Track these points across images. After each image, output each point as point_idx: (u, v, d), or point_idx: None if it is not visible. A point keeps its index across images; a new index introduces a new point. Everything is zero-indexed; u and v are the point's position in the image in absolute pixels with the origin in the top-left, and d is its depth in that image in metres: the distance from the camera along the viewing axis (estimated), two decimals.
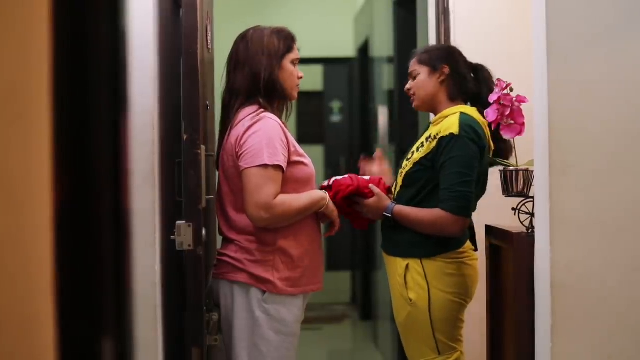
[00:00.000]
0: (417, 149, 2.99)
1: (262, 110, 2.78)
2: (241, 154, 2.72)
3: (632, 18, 2.43)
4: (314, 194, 2.84)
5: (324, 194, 2.88)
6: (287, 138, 2.78)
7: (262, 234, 2.77)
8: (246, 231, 2.78)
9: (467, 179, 2.85)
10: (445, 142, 2.87)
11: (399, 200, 3.00)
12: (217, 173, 2.93)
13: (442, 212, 2.87)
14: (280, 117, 2.85)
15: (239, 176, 2.75)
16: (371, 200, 3.01)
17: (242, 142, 2.73)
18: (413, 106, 3.11)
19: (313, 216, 2.87)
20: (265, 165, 2.69)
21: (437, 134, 2.91)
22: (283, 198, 2.72)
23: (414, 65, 3.07)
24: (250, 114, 2.77)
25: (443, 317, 2.93)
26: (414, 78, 3.06)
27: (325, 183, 3.07)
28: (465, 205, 2.86)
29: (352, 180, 3.04)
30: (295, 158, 2.79)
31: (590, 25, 2.43)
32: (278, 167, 2.71)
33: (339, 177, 3.08)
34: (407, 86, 3.09)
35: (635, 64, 2.42)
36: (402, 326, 3.01)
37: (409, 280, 2.94)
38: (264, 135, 2.71)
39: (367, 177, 3.11)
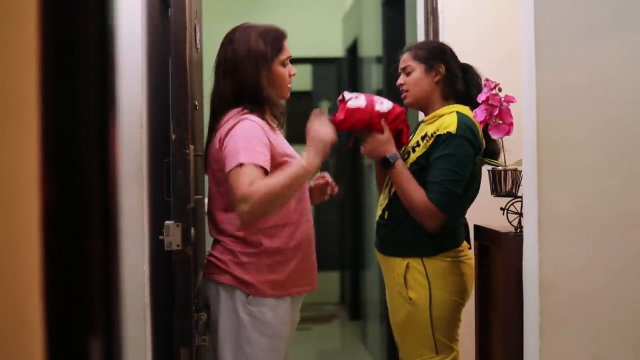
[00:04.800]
0: (413, 149, 2.97)
1: (246, 111, 2.76)
2: (224, 158, 2.70)
3: (619, 18, 2.44)
4: (292, 167, 2.67)
5: (305, 165, 2.67)
6: (268, 138, 2.74)
7: (247, 235, 2.74)
8: (231, 232, 2.76)
9: (459, 177, 2.85)
10: (441, 140, 2.87)
11: (399, 200, 2.98)
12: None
13: (427, 199, 2.86)
14: (269, 119, 2.80)
15: (224, 178, 2.74)
16: (380, 137, 2.94)
17: (223, 145, 2.70)
18: (405, 102, 3.07)
19: (305, 216, 2.84)
20: (240, 165, 2.62)
21: (434, 132, 2.90)
22: (258, 183, 2.58)
23: (408, 61, 3.03)
24: (233, 116, 2.75)
25: (443, 316, 2.93)
26: (408, 74, 3.03)
27: (340, 97, 2.98)
28: (450, 202, 2.86)
29: (367, 111, 2.92)
30: (281, 159, 2.75)
31: (577, 25, 2.44)
32: (255, 166, 2.63)
33: (353, 98, 2.93)
34: (400, 81, 3.04)
35: (622, 63, 2.43)
36: (400, 326, 2.99)
37: (409, 280, 2.93)
38: (240, 136, 2.66)
39: (385, 107, 2.97)
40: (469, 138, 2.86)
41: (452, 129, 2.86)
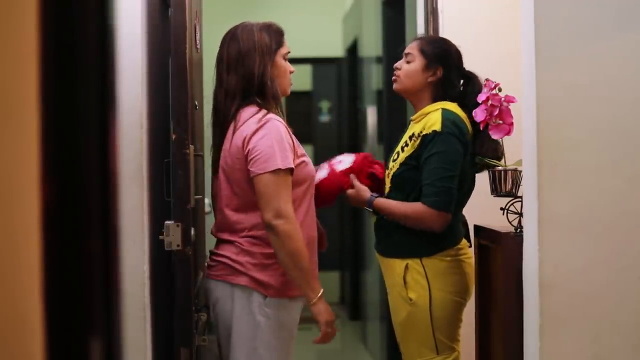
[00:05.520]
0: (402, 149, 2.98)
1: (265, 111, 2.75)
2: (252, 159, 2.67)
3: (619, 19, 2.44)
4: (317, 281, 2.75)
5: (321, 292, 2.74)
6: (292, 139, 2.75)
7: (264, 235, 2.73)
8: (249, 233, 2.73)
9: (450, 174, 2.85)
10: (428, 139, 2.87)
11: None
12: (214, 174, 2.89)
13: (424, 206, 2.86)
14: (279, 116, 2.81)
15: (245, 178, 2.72)
16: (350, 192, 3.04)
17: (250, 145, 2.67)
18: (393, 87, 3.09)
19: (312, 217, 2.84)
20: (279, 170, 2.66)
21: (421, 132, 2.91)
22: (300, 231, 2.69)
23: (413, 49, 3.03)
24: (253, 115, 2.73)
25: (443, 316, 2.92)
26: (408, 62, 3.03)
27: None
28: (447, 200, 2.86)
29: (330, 179, 3.03)
30: (298, 160, 2.75)
31: (578, 25, 2.44)
32: (290, 170, 2.69)
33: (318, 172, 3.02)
34: (397, 65, 3.06)
35: (623, 63, 2.43)
36: (401, 326, 2.99)
37: (408, 280, 2.93)
38: (273, 139, 2.66)
39: (345, 164, 3.08)
40: (455, 134, 2.87)
41: (437, 126, 2.87)
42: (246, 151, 2.68)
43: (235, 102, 2.76)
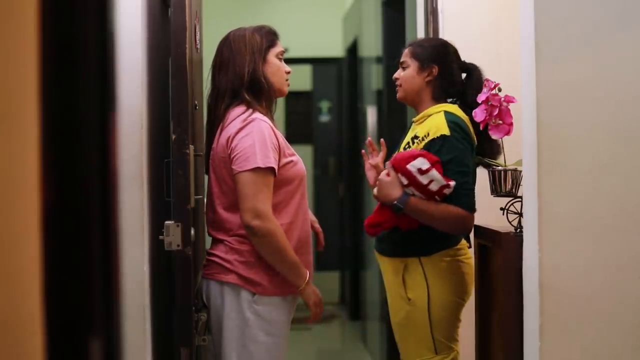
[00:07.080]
0: (404, 150, 2.98)
1: (252, 110, 2.77)
2: (234, 157, 2.72)
3: (619, 18, 2.44)
4: (302, 267, 2.77)
5: (307, 277, 2.78)
6: (277, 139, 2.77)
7: None
8: (237, 232, 2.77)
9: (469, 177, 2.88)
10: (438, 144, 2.87)
11: None
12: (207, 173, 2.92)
13: (461, 209, 2.84)
14: (268, 115, 2.84)
15: (230, 177, 2.75)
16: (385, 180, 2.88)
17: (233, 144, 2.72)
18: (397, 97, 3.11)
19: (304, 216, 2.85)
20: (258, 169, 2.68)
21: (426, 135, 2.90)
22: (275, 224, 2.70)
23: (405, 56, 3.06)
24: (240, 115, 2.76)
25: (442, 316, 2.93)
26: (404, 69, 3.06)
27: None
28: (473, 200, 2.89)
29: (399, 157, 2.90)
30: (285, 159, 2.78)
31: (578, 25, 2.44)
32: (270, 170, 2.71)
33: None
34: (396, 75, 3.09)
35: (623, 63, 2.43)
36: (400, 326, 3.00)
37: (407, 280, 2.93)
38: (255, 138, 2.70)
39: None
40: (462, 135, 2.88)
41: (445, 131, 2.86)
42: (229, 150, 2.73)
43: (224, 101, 2.80)
